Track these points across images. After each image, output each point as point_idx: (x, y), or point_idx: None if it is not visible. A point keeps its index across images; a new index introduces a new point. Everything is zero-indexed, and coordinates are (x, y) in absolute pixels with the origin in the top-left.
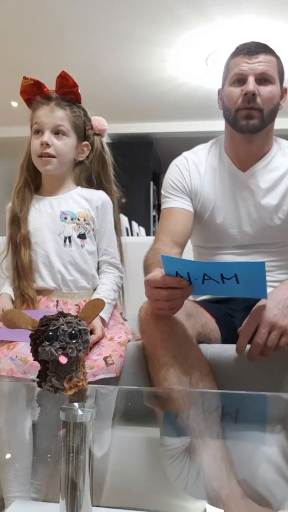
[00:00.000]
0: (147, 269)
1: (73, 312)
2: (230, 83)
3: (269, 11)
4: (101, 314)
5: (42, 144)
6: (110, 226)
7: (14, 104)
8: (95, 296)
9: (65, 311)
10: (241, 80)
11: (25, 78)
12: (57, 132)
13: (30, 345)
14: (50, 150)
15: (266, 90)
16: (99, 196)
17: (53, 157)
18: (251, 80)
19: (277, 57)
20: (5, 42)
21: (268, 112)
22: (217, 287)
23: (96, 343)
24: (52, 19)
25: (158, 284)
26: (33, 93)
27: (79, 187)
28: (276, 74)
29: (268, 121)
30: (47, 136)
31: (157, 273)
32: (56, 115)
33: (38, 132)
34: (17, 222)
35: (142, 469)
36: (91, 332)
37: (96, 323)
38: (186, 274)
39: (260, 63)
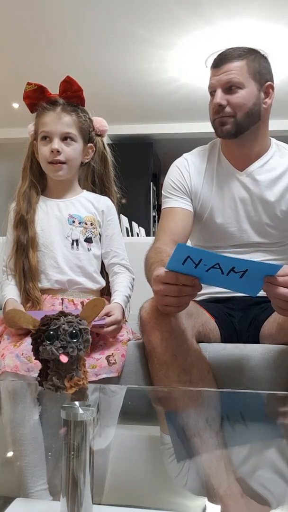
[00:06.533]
0: (149, 268)
1: (79, 307)
2: (210, 97)
3: (268, 14)
4: (122, 304)
5: (52, 151)
6: (118, 229)
7: (15, 105)
8: (114, 292)
9: (71, 308)
10: (213, 93)
11: (28, 83)
12: (65, 138)
13: (31, 344)
14: (60, 157)
15: (235, 97)
16: (104, 201)
17: (64, 163)
18: (218, 92)
19: (250, 59)
20: (5, 44)
21: (243, 116)
22: (218, 278)
23: (99, 340)
24: (52, 21)
25: (169, 280)
26: (36, 98)
27: (85, 191)
28: (247, 77)
29: (246, 123)
30: (57, 143)
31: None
32: (63, 121)
33: (45, 138)
34: (24, 224)
35: (142, 467)
36: (107, 314)
37: (114, 306)
38: (199, 260)
39: (225, 73)
